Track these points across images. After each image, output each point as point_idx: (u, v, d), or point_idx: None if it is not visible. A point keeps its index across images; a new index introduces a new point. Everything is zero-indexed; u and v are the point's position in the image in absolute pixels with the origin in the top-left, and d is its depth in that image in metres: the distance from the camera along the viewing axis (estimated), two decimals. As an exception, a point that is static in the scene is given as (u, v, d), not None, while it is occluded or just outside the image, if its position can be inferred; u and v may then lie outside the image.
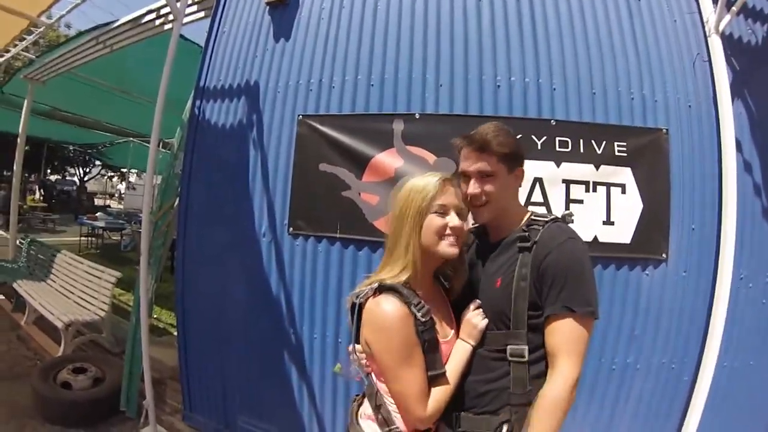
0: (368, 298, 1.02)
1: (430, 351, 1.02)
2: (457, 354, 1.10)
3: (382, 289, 1.01)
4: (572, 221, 1.16)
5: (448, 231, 1.04)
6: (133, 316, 2.68)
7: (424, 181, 1.07)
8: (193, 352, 2.54)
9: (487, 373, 1.09)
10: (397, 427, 1.04)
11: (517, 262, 1.08)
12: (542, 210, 1.98)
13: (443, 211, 1.05)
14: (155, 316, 4.24)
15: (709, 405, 2.01)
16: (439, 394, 1.03)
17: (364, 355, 1.09)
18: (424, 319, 0.99)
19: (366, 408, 1.12)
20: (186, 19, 2.96)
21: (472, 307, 1.14)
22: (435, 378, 1.03)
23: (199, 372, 2.53)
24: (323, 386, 2.18)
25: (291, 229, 2.22)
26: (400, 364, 0.98)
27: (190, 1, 2.87)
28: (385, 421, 1.05)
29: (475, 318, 1.11)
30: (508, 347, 1.06)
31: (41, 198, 14.87)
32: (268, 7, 2.45)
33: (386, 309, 0.98)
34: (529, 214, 1.19)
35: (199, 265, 2.51)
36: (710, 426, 2.06)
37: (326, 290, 2.15)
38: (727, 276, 1.97)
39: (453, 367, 1.08)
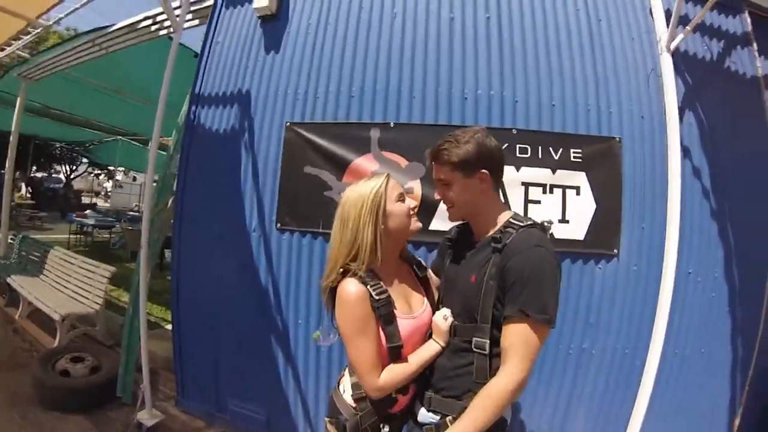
0: (338, 282, 1.25)
1: (387, 324, 1.21)
2: (424, 350, 1.28)
3: (345, 273, 1.24)
4: (550, 228, 1.24)
5: (412, 212, 1.30)
6: (129, 307, 2.91)
7: (371, 184, 1.28)
8: (187, 340, 2.80)
9: (456, 360, 1.24)
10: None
11: (489, 262, 1.18)
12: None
13: (403, 199, 1.29)
14: (147, 310, 4.50)
15: (662, 388, 2.27)
16: (395, 371, 1.22)
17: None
18: (378, 297, 1.19)
19: (346, 373, 1.38)
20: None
21: (439, 312, 1.31)
22: (392, 350, 1.22)
23: (192, 359, 2.78)
24: (307, 369, 2.47)
25: (278, 224, 2.51)
26: (356, 334, 1.19)
27: (188, 16, 3.14)
28: (358, 384, 1.27)
29: (440, 321, 1.29)
30: (474, 339, 1.19)
31: (28, 195, 15.01)
32: (260, 20, 2.74)
33: (348, 288, 1.21)
34: (508, 216, 1.26)
35: (193, 258, 2.78)
36: (666, 408, 2.34)
37: (310, 280, 2.44)
38: (670, 270, 2.21)
39: (417, 359, 1.26)
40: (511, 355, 1.09)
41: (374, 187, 1.27)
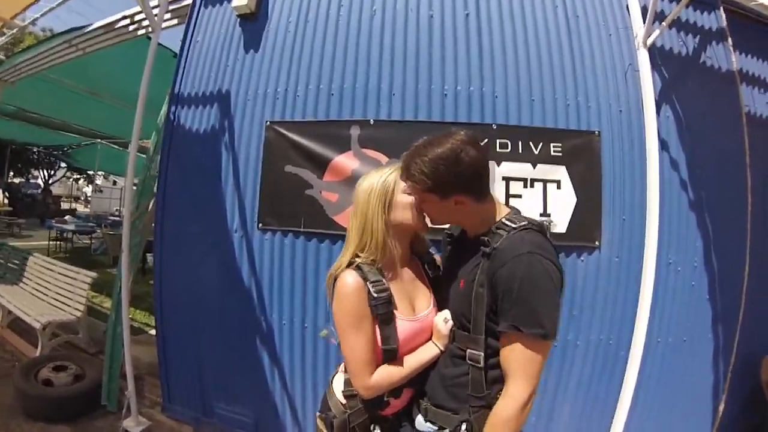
0: (339, 273, 1.21)
1: (384, 325, 1.16)
2: (423, 351, 1.23)
3: (348, 265, 1.20)
4: (549, 229, 1.16)
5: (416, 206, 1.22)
6: (112, 313, 2.91)
7: (380, 173, 1.24)
8: (171, 345, 2.80)
9: (451, 368, 1.18)
10: None
11: (479, 267, 1.11)
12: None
13: (410, 192, 1.21)
14: (130, 315, 4.48)
15: (647, 376, 2.35)
16: (389, 372, 1.18)
17: None
18: (376, 295, 1.14)
19: (340, 369, 1.34)
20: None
21: (440, 314, 1.24)
22: (387, 352, 1.17)
23: (177, 363, 2.79)
24: (293, 370, 2.50)
25: (260, 224, 2.54)
26: (350, 329, 1.15)
27: (167, 15, 3.14)
28: (350, 381, 1.23)
29: (440, 324, 1.22)
30: (468, 351, 1.13)
31: (6, 202, 14.74)
32: (239, 19, 2.77)
33: (345, 280, 1.17)
34: (502, 214, 1.18)
35: (175, 261, 2.79)
36: (651, 396, 2.42)
37: (293, 279, 2.48)
38: (651, 261, 2.29)
39: (413, 362, 1.21)
40: (512, 376, 1.04)
41: (384, 175, 1.23)
